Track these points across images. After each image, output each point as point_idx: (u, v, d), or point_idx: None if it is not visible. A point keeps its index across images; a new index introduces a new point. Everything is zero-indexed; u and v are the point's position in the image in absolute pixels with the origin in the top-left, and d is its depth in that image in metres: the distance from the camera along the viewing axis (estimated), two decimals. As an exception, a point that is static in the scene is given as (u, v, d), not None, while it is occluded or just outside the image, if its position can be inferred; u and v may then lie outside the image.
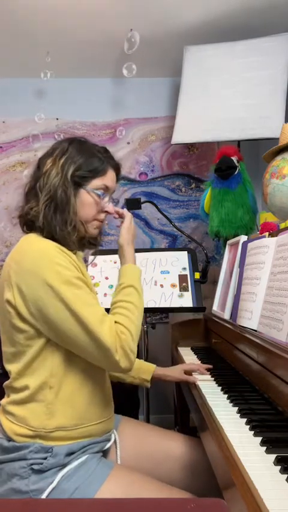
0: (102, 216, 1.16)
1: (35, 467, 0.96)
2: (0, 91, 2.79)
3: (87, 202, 1.11)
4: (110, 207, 1.16)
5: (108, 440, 1.13)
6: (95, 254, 1.33)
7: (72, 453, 1.01)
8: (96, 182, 1.12)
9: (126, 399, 2.21)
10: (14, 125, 2.79)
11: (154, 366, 1.34)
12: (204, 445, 0.97)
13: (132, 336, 1.01)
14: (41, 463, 0.96)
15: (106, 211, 1.16)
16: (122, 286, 1.11)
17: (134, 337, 1.02)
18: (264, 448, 0.77)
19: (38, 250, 1.01)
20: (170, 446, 1.20)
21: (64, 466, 0.98)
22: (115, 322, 1.01)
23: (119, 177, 1.21)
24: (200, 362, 1.49)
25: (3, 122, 2.80)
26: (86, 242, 1.19)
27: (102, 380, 1.10)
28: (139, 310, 1.08)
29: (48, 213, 1.05)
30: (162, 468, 1.16)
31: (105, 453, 1.13)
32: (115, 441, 1.17)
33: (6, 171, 2.79)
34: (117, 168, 1.18)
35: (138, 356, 2.55)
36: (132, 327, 1.03)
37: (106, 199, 1.15)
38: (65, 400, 1.01)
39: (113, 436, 1.16)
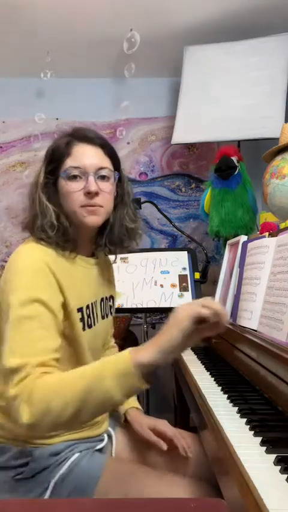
0: (84, 200, 0.99)
1: (18, 477, 0.94)
2: (0, 91, 2.79)
3: (63, 190, 1.01)
4: (89, 184, 0.99)
5: (102, 440, 1.11)
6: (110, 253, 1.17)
7: (57, 453, 0.97)
8: (64, 166, 1.01)
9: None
10: (14, 125, 2.79)
11: (133, 404, 1.20)
12: (204, 444, 0.97)
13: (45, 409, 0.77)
14: (22, 472, 0.94)
15: (89, 192, 0.99)
16: (106, 378, 0.78)
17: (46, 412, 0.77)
18: (264, 448, 0.77)
19: (18, 268, 0.93)
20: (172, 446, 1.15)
21: (54, 469, 0.95)
22: (43, 373, 0.82)
23: (103, 146, 1.04)
24: (200, 362, 1.49)
25: (3, 122, 2.80)
26: (102, 243, 1.08)
27: None
28: (75, 410, 0.77)
29: (31, 221, 1.01)
30: (161, 461, 1.15)
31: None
32: (110, 439, 1.15)
33: (6, 171, 2.79)
34: (89, 138, 1.02)
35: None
36: (51, 407, 0.77)
37: (83, 179, 0.99)
38: None
39: (106, 437, 1.13)
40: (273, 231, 1.38)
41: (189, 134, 2.38)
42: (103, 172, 1.02)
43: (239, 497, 0.64)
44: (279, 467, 0.70)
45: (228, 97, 2.29)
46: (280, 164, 1.47)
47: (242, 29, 2.29)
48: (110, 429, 1.18)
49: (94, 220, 1.02)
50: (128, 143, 2.84)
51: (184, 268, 1.96)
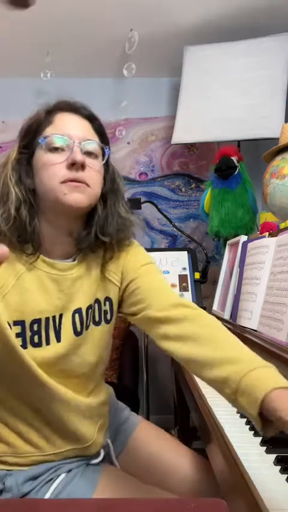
0: (68, 173, 0.81)
1: None
2: (0, 91, 2.79)
3: (40, 162, 0.83)
4: (75, 154, 0.81)
5: (97, 455, 0.97)
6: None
7: (36, 477, 0.86)
8: (46, 134, 0.84)
9: (125, 399, 2.20)
10: (14, 125, 2.77)
11: (269, 389, 0.66)
12: (204, 445, 0.97)
13: None
14: None
15: (73, 163, 0.81)
16: None
17: None
18: (264, 448, 0.77)
19: None
20: (177, 465, 1.05)
21: (31, 495, 0.84)
22: None
23: (89, 117, 0.88)
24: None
25: (3, 122, 2.80)
26: (89, 236, 0.88)
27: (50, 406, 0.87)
28: None
29: None
30: (163, 483, 1.02)
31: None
32: (109, 451, 1.02)
33: (6, 171, 2.79)
34: (74, 108, 0.87)
35: (138, 355, 2.56)
36: None
37: (68, 150, 0.82)
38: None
39: (102, 452, 0.99)
40: (273, 231, 1.38)
41: (189, 134, 2.38)
42: (90, 147, 0.85)
43: (239, 497, 0.64)
44: (279, 467, 0.70)
45: (228, 97, 2.29)
46: (280, 164, 1.47)
47: (242, 29, 2.29)
48: (108, 441, 1.04)
49: (78, 198, 0.82)
50: (128, 143, 2.84)
51: (184, 268, 1.96)
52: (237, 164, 2.04)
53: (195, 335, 0.82)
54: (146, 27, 2.27)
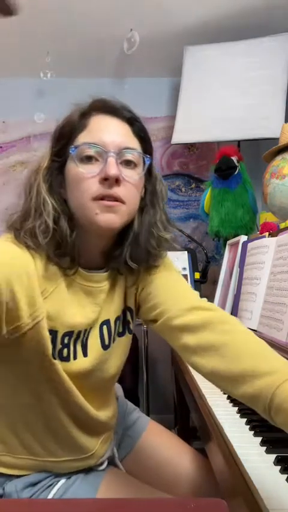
0: (100, 189, 0.72)
1: None
2: (0, 91, 2.79)
3: (70, 175, 0.75)
4: (109, 167, 0.71)
5: (101, 463, 0.93)
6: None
7: (35, 484, 0.83)
8: (79, 141, 0.75)
9: (126, 399, 2.20)
10: (14, 125, 2.79)
11: None
12: (204, 445, 0.97)
13: None
14: None
15: (107, 178, 0.71)
16: None
17: None
18: (264, 448, 0.77)
19: None
20: (181, 467, 1.03)
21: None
22: None
23: (130, 121, 0.78)
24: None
25: (3, 122, 2.80)
26: (120, 257, 0.80)
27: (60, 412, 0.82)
28: None
29: (19, 219, 0.77)
30: (168, 487, 1.01)
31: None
32: (113, 459, 0.99)
33: (6, 171, 2.79)
34: (113, 109, 0.77)
35: (138, 356, 2.56)
36: None
37: (101, 161, 0.73)
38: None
39: (106, 462, 0.95)
40: (273, 231, 1.38)
41: (189, 134, 2.38)
42: (129, 156, 0.75)
43: (239, 497, 0.64)
44: (279, 467, 0.70)
45: (228, 97, 2.29)
46: (280, 164, 1.47)
47: (242, 29, 2.29)
48: (114, 449, 1.00)
49: (110, 220, 0.73)
50: (128, 143, 2.84)
51: (184, 268, 1.96)
52: (237, 164, 2.05)
53: (216, 343, 0.73)
54: (146, 27, 2.27)
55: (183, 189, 2.85)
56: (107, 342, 0.86)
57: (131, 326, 0.92)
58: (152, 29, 2.31)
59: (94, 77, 2.81)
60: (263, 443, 0.79)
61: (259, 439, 0.80)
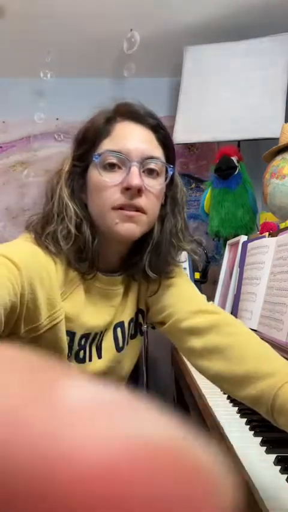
0: (120, 198, 0.71)
1: None
2: (0, 91, 2.79)
3: (92, 182, 0.74)
4: (132, 177, 0.70)
5: None
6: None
7: None
8: (102, 148, 0.74)
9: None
10: (14, 125, 2.79)
11: None
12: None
13: None
14: None
15: (129, 187, 0.71)
16: None
17: None
18: (264, 448, 0.77)
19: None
20: None
21: None
22: None
23: (155, 128, 0.77)
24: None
25: (3, 122, 2.80)
26: (139, 264, 0.80)
27: None
28: None
29: (40, 223, 0.76)
30: None
31: None
32: None
33: (6, 171, 2.79)
34: (137, 116, 0.76)
35: (139, 356, 2.55)
36: None
37: (124, 170, 0.72)
38: None
39: None
40: (273, 231, 1.38)
41: (189, 134, 2.38)
42: (152, 165, 0.74)
43: (239, 497, 0.64)
44: (279, 467, 0.70)
45: (228, 97, 2.29)
46: (280, 164, 1.47)
47: (242, 29, 2.29)
48: None
49: (130, 230, 0.73)
50: (128, 143, 2.84)
51: (184, 268, 1.96)
52: (237, 164, 2.05)
53: (220, 345, 0.73)
54: (146, 27, 2.27)
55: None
56: (121, 344, 0.86)
57: (143, 328, 0.92)
58: (152, 29, 2.31)
59: (94, 77, 2.81)
60: (263, 443, 0.79)
61: (259, 439, 0.80)
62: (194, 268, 1.98)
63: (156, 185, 0.75)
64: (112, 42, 2.42)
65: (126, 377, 0.94)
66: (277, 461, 0.71)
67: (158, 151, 0.76)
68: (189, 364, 1.44)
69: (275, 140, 1.65)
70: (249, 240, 1.50)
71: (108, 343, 0.84)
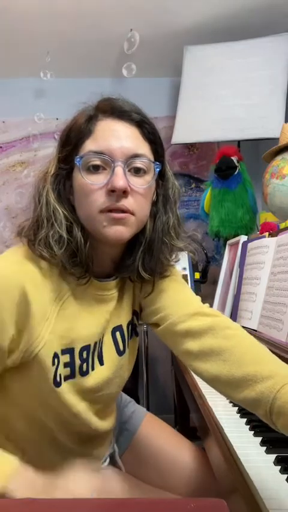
0: (107, 201, 0.69)
1: None
2: (0, 91, 2.79)
3: (77, 186, 0.72)
4: (116, 178, 0.68)
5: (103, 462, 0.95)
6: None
7: None
8: (85, 149, 0.72)
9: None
10: (14, 125, 2.79)
11: None
12: (204, 445, 0.97)
13: None
14: None
15: (114, 189, 0.69)
16: None
17: None
18: (264, 448, 0.77)
19: None
20: (179, 459, 1.04)
21: None
22: None
23: (139, 123, 0.73)
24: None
25: (3, 122, 2.80)
26: (132, 266, 0.79)
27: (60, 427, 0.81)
28: None
29: (31, 229, 0.75)
30: (168, 479, 1.01)
31: None
32: (113, 461, 0.99)
33: (6, 171, 2.79)
34: (121, 112, 0.72)
35: (138, 356, 2.56)
36: None
37: (108, 171, 0.70)
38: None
39: (108, 459, 0.97)
40: (273, 231, 1.38)
41: (189, 134, 2.38)
42: (138, 163, 0.72)
43: (239, 497, 0.64)
44: (279, 467, 0.70)
45: (228, 97, 2.29)
46: (280, 164, 1.47)
47: (242, 29, 2.29)
48: (115, 446, 1.01)
49: (118, 232, 0.71)
50: (128, 143, 2.83)
51: (184, 268, 1.96)
52: (237, 164, 2.05)
53: (218, 348, 0.73)
54: (146, 27, 2.27)
55: (183, 189, 2.85)
56: (121, 348, 0.85)
57: (137, 328, 0.92)
58: (152, 29, 2.31)
59: (94, 77, 2.81)
60: (263, 443, 0.79)
61: (259, 439, 0.80)
62: (194, 268, 1.98)
63: (143, 184, 0.73)
64: (112, 42, 2.42)
65: (127, 379, 0.94)
66: (277, 461, 0.71)
67: (143, 148, 0.74)
68: (189, 364, 1.44)
69: (275, 140, 1.65)
70: (249, 240, 1.50)
71: (108, 348, 0.83)
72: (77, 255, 0.72)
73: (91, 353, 0.79)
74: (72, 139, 0.73)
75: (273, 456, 0.73)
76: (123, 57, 2.44)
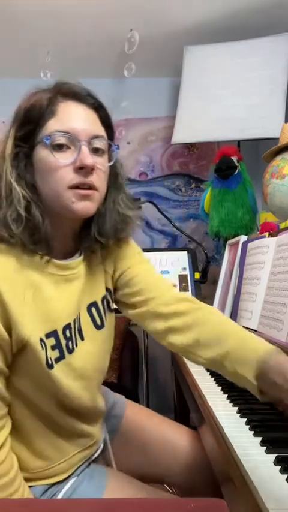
0: (76, 177, 0.74)
1: None
2: (0, 91, 2.79)
3: (43, 163, 0.75)
4: (84, 156, 0.74)
5: (97, 449, 0.98)
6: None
7: (49, 487, 0.85)
8: (45, 130, 0.75)
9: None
10: (14, 125, 2.79)
11: (266, 349, 0.76)
12: (204, 444, 0.97)
13: None
14: None
15: (82, 168, 0.74)
16: None
17: None
18: (264, 448, 0.77)
19: None
20: (171, 440, 1.09)
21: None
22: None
23: (96, 107, 0.80)
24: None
25: (3, 122, 2.78)
26: (89, 236, 0.84)
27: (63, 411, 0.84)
28: None
29: None
30: (161, 461, 1.07)
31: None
32: (106, 448, 1.03)
33: (6, 171, 2.79)
34: (80, 96, 0.78)
35: (139, 356, 2.55)
36: None
37: (74, 150, 0.75)
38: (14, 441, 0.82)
39: (101, 445, 1.00)
40: (273, 231, 1.38)
41: (189, 134, 2.38)
42: (98, 144, 0.77)
43: (239, 497, 0.64)
44: (279, 467, 0.70)
45: (228, 97, 2.29)
46: (280, 164, 1.47)
47: (242, 29, 2.29)
48: (106, 435, 1.05)
49: (86, 207, 0.76)
50: (128, 143, 2.84)
51: (184, 268, 1.96)
52: (237, 164, 2.04)
53: (199, 320, 0.85)
54: (146, 27, 2.27)
55: (183, 189, 2.85)
56: (99, 323, 0.90)
57: (111, 305, 0.95)
58: (152, 29, 2.31)
59: (94, 77, 2.81)
60: (263, 443, 0.79)
61: (259, 439, 0.80)
62: (194, 268, 1.98)
63: (104, 163, 0.79)
64: (112, 42, 2.42)
65: (110, 352, 0.97)
66: (277, 461, 0.71)
67: (102, 130, 0.79)
68: (189, 364, 1.44)
69: (275, 140, 1.65)
70: (249, 240, 1.50)
71: (86, 324, 0.87)
72: (35, 233, 0.75)
73: (73, 330, 0.83)
74: (33, 119, 0.76)
75: (273, 456, 0.73)
76: (123, 57, 2.44)
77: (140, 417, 1.12)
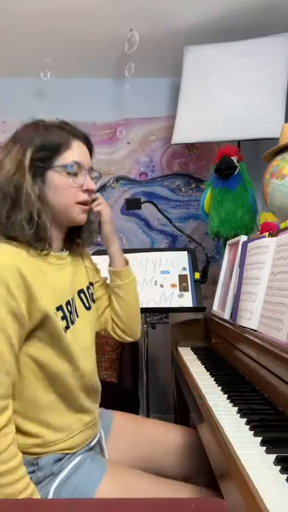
0: (84, 196, 1.03)
1: None
2: (0, 91, 2.79)
3: (59, 183, 0.99)
4: (90, 183, 1.04)
5: (95, 436, 1.12)
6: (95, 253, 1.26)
7: (61, 459, 0.98)
8: (63, 159, 0.99)
9: (126, 399, 2.21)
10: (14, 125, 2.77)
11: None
12: (204, 444, 0.97)
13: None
14: (31, 478, 0.92)
15: (88, 190, 1.04)
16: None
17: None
18: (264, 448, 0.77)
19: None
20: (166, 435, 1.21)
21: (57, 474, 0.96)
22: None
23: (91, 147, 1.09)
24: (200, 362, 1.49)
25: (3, 122, 2.80)
26: (77, 237, 1.12)
27: (70, 389, 1.01)
28: None
29: (3, 212, 0.94)
30: (157, 455, 1.17)
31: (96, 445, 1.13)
32: (101, 438, 1.15)
33: (6, 171, 2.79)
34: (85, 138, 1.06)
35: (138, 355, 2.55)
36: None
37: (83, 176, 1.02)
38: (30, 418, 0.97)
39: (98, 434, 1.14)
40: (273, 231, 1.38)
41: (189, 134, 2.38)
42: (94, 173, 1.10)
43: (239, 497, 0.64)
44: (279, 467, 0.70)
45: (228, 97, 2.28)
46: (280, 164, 1.47)
47: (242, 29, 2.29)
48: (101, 431, 1.17)
49: (84, 218, 1.07)
50: (128, 143, 2.84)
51: (184, 268, 1.96)
52: (237, 164, 2.04)
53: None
54: (146, 27, 2.27)
55: (183, 189, 2.85)
56: (87, 305, 1.14)
57: (94, 297, 1.21)
58: (152, 29, 2.31)
59: (94, 77, 2.82)
60: (263, 443, 0.79)
61: (259, 439, 0.80)
62: (194, 268, 1.98)
63: (95, 185, 1.09)
64: (112, 42, 2.42)
65: (95, 333, 1.19)
66: (277, 461, 0.71)
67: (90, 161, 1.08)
68: (189, 364, 1.44)
69: (275, 140, 1.65)
70: (249, 240, 1.50)
71: (79, 304, 1.10)
72: (42, 233, 0.96)
73: (72, 306, 1.05)
74: (51, 147, 0.99)
75: (273, 456, 0.73)
76: (124, 57, 2.44)
77: (129, 420, 1.26)
